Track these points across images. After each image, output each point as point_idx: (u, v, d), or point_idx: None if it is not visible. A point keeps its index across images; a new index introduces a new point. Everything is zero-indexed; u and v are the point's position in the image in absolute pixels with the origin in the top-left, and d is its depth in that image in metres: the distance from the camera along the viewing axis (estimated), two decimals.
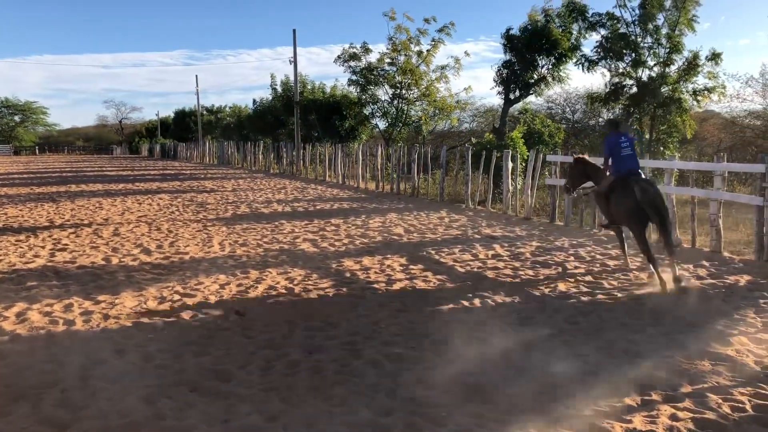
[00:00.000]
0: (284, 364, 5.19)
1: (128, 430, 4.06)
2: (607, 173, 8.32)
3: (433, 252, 9.96)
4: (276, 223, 13.19)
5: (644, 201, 7.55)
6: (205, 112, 66.68)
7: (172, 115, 77.69)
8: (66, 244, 10.68)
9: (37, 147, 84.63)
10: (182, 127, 71.62)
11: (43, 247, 10.40)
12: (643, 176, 8.28)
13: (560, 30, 24.56)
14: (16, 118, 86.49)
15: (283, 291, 7.61)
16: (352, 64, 32.84)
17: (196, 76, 78.78)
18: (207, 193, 20.51)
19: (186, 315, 6.59)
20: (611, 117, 9.43)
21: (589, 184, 9.11)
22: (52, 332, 6.00)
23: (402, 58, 31.72)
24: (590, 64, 24.93)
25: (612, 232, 9.45)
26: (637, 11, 23.80)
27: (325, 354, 5.42)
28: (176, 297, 7.30)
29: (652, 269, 7.71)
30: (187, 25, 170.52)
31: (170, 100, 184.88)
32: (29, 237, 11.52)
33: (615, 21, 24.47)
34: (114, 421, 4.17)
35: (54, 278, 8.22)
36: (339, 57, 33.08)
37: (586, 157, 9.33)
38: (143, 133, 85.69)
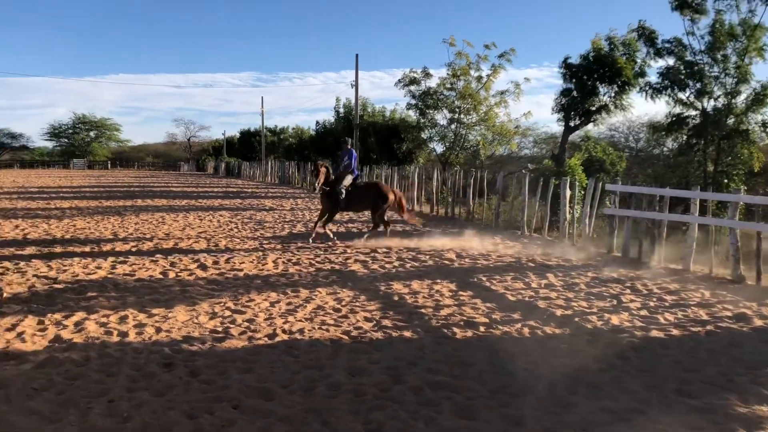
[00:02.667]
0: (327, 386, 5.21)
1: None
2: None
3: (484, 279, 9.85)
4: (329, 243, 13.30)
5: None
6: (268, 133, 68.25)
7: (238, 134, 79.74)
8: (127, 257, 11.05)
9: (109, 162, 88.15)
10: (247, 147, 73.40)
11: (105, 260, 10.78)
12: None
13: (624, 58, 24.10)
14: (92, 133, 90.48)
15: (331, 311, 7.65)
16: (412, 88, 33.11)
17: (262, 97, 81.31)
18: (266, 211, 20.90)
19: (234, 331, 6.71)
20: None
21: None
22: (106, 342, 6.20)
23: (461, 83, 31.77)
24: (654, 92, 24.36)
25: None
26: (706, 38, 23.17)
27: (367, 377, 5.41)
28: (227, 313, 7.44)
29: None
30: (256, 48, 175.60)
31: (237, 120, 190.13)
32: (93, 249, 11.98)
33: (682, 48, 23.88)
34: None
35: (113, 290, 8.51)
36: (399, 81, 33.44)
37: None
38: (210, 151, 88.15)
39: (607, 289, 9.24)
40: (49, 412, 4.56)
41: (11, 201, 23.16)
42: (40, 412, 4.54)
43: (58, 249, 11.87)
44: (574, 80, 24.79)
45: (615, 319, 7.52)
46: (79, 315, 7.15)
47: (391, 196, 13.72)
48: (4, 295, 8.08)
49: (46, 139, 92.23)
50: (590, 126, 28.02)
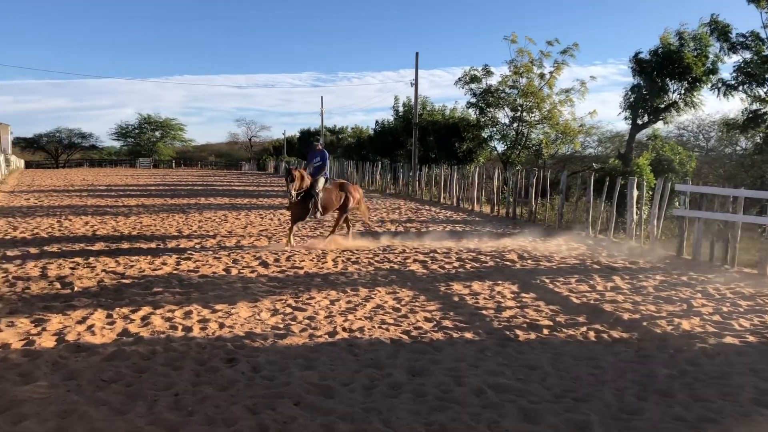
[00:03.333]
0: (387, 385, 5.16)
1: None
2: None
3: (547, 280, 9.62)
4: (388, 242, 13.27)
5: None
6: (328, 132, 68.87)
7: (298, 134, 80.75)
8: (191, 254, 11.30)
9: (173, 161, 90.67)
10: (306, 146, 74.11)
11: (170, 256, 11.05)
12: None
13: (695, 54, 23.19)
14: (157, 133, 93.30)
15: (390, 311, 7.61)
16: (473, 86, 32.80)
17: (322, 97, 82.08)
18: None
19: (295, 328, 6.74)
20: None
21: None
22: (171, 337, 6.33)
23: (523, 81, 31.27)
24: (728, 89, 23.33)
25: None
26: None
27: (428, 378, 5.34)
28: (288, 310, 7.50)
29: None
30: (316, 49, 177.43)
31: (297, 120, 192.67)
32: (159, 245, 12.30)
33: (759, 42, 22.78)
34: (220, 429, 4.30)
35: (177, 286, 8.70)
36: (460, 79, 33.19)
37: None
38: (270, 150, 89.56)
39: (677, 293, 8.89)
40: (118, 403, 4.66)
41: (82, 198, 24.06)
42: (110, 404, 4.65)
43: (125, 245, 12.24)
44: (643, 76, 24.02)
45: (686, 324, 7.22)
46: (146, 309, 7.33)
47: (357, 195, 13.56)
48: (75, 288, 8.37)
49: (114, 139, 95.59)
50: (659, 124, 27.12)
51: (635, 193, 14.12)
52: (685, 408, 4.80)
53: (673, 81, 23.88)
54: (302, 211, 12.39)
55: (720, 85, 23.69)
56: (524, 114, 31.75)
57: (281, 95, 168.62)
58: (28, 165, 72.45)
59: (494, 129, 33.82)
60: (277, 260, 10.86)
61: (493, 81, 32.40)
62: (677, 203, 14.91)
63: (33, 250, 11.41)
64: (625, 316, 7.59)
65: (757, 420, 4.61)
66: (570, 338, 6.66)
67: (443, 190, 26.02)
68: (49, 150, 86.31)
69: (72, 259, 10.53)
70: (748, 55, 22.96)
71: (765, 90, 22.96)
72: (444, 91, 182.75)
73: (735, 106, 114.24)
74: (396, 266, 10.57)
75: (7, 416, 4.38)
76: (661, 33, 24.53)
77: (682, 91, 24.11)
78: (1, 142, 57.71)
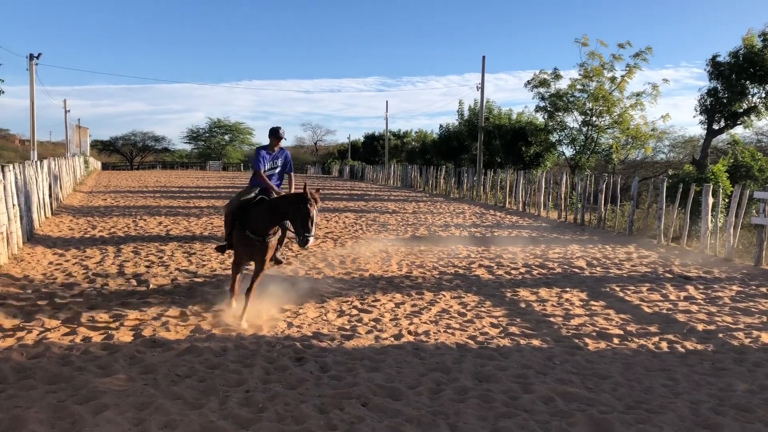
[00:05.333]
0: (454, 390, 5.15)
1: None
2: None
3: (617, 289, 9.39)
4: (453, 247, 13.22)
5: None
6: (392, 137, 69.15)
7: (362, 138, 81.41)
8: None
9: (242, 164, 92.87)
10: (370, 150, 74.80)
11: None
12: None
13: None
14: (226, 137, 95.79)
15: (456, 315, 7.58)
16: (541, 90, 32.29)
17: (386, 101, 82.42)
18: (389, 214, 21.15)
19: (361, 330, 6.80)
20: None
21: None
22: (241, 335, 6.49)
23: (593, 85, 30.60)
24: None
25: None
26: None
27: (494, 384, 5.30)
28: (354, 312, 7.57)
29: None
30: (381, 53, 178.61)
31: (361, 124, 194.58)
32: None
33: None
34: (289, 426, 4.39)
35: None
36: (529, 82, 32.72)
37: None
38: (335, 154, 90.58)
39: (755, 305, 8.52)
40: (192, 398, 4.82)
41: (155, 199, 24.93)
42: (184, 398, 4.81)
43: (197, 245, 12.61)
44: (720, 79, 23.12)
45: (765, 337, 6.91)
46: (217, 307, 7.54)
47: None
48: (151, 286, 8.69)
49: (185, 142, 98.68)
50: (736, 129, 26.03)
51: (710, 200, 13.60)
52: (766, 425, 4.60)
53: (753, 84, 22.86)
54: (271, 253, 7.48)
55: None
56: (594, 118, 31.04)
57: (346, 99, 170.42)
58: (105, 167, 75.59)
59: (563, 133, 33.21)
60: (342, 262, 10.97)
61: (563, 85, 31.82)
62: (755, 211, 14.27)
63: (110, 249, 11.90)
64: (700, 327, 7.33)
65: None
66: (641, 348, 6.48)
67: (509, 194, 25.72)
68: (124, 152, 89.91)
69: (147, 258, 10.93)
70: None
71: None
72: (510, 95, 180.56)
73: None
74: (461, 271, 10.51)
75: (89, 406, 4.59)
76: (743, 34, 23.56)
77: (763, 95, 23.06)
78: (81, 145, 60.42)
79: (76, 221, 16.34)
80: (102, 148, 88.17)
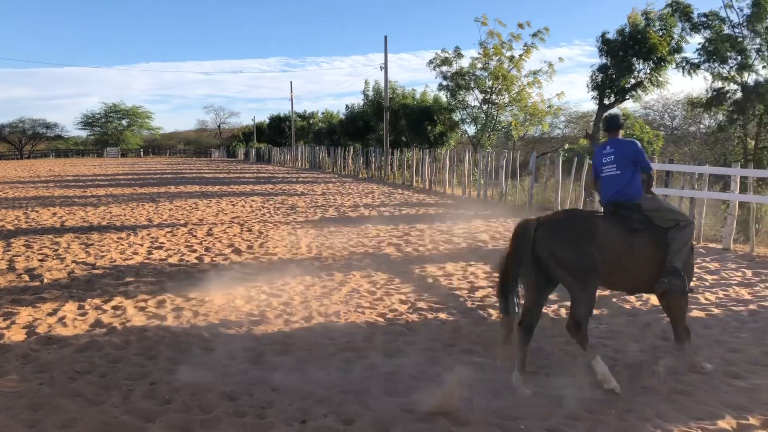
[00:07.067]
0: (364, 367, 5.20)
1: (208, 426, 4.16)
2: None
3: None
4: (362, 226, 13.30)
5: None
6: (298, 118, 68.40)
7: (267, 120, 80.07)
8: (162, 243, 11.19)
9: (141, 150, 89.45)
10: (276, 132, 73.75)
11: (141, 245, 10.93)
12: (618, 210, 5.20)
13: (659, 33, 23.46)
14: (124, 122, 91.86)
15: (366, 294, 7.64)
16: (444, 69, 32.73)
17: (291, 82, 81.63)
18: (297, 196, 20.98)
19: (270, 314, 6.74)
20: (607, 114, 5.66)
21: None
22: (145, 326, 6.28)
23: (494, 63, 31.33)
24: (692, 67, 23.65)
25: None
26: (746, 11, 22.39)
27: (404, 359, 5.39)
28: (263, 297, 7.48)
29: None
30: (284, 33, 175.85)
31: (266, 106, 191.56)
32: (129, 235, 12.15)
33: (720, 21, 23.12)
34: (197, 416, 4.30)
35: (150, 275, 8.62)
36: (431, 61, 33.05)
37: None
38: (240, 137, 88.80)
39: None
40: (92, 394, 4.63)
41: (48, 189, 23.62)
42: (84, 395, 4.61)
43: (95, 235, 12.06)
44: (610, 56, 24.22)
45: (654, 299, 7.36)
46: (118, 300, 7.26)
47: None
48: (45, 280, 8.25)
49: (80, 129, 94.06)
50: (626, 104, 27.43)
51: None
52: (657, 382, 4.90)
53: (639, 60, 24.09)
54: None
55: (684, 64, 23.99)
56: (494, 96, 31.85)
57: (249, 81, 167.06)
58: None
59: (465, 112, 33.89)
60: (250, 247, 10.81)
61: (465, 63, 32.39)
62: None
63: None
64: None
65: (725, 390, 4.74)
66: (542, 316, 6.75)
67: (415, 173, 26.09)
68: (12, 141, 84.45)
69: (40, 251, 10.35)
70: (709, 34, 23.29)
71: (727, 68, 23.33)
72: (414, 75, 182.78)
73: (699, 84, 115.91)
74: (370, 250, 10.59)
75: None
76: (629, 12, 24.73)
77: (648, 71, 24.37)
78: None
79: None
80: None
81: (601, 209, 5.52)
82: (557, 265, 4.79)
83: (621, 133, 5.53)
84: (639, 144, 5.46)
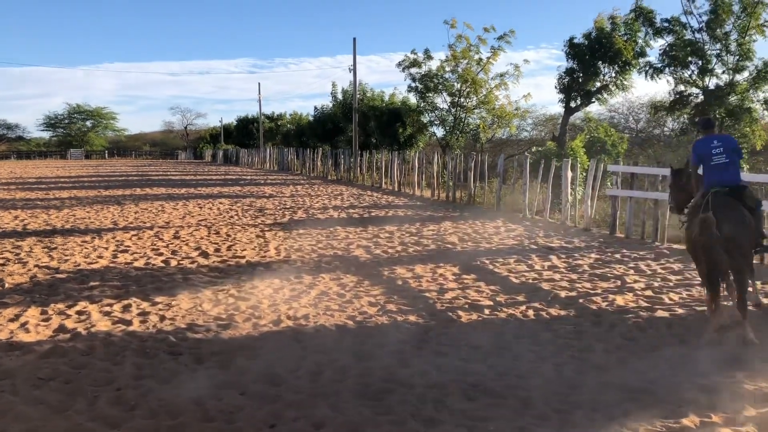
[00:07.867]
0: (334, 370, 5.19)
1: (177, 431, 4.12)
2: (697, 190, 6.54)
3: (487, 262, 9.82)
4: (331, 229, 13.27)
5: (707, 238, 5.77)
6: (266, 119, 67.95)
7: (235, 122, 79.34)
8: (128, 246, 11.02)
9: (106, 151, 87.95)
10: (244, 134, 73.12)
11: (106, 249, 10.75)
12: (729, 198, 6.06)
13: (624, 38, 23.93)
14: (88, 123, 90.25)
15: (335, 297, 7.63)
16: (413, 71, 32.79)
17: (259, 84, 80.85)
18: (266, 198, 20.85)
19: (239, 318, 6.68)
20: (703, 117, 7.05)
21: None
22: (110, 332, 6.18)
23: (462, 66, 31.51)
24: (655, 71, 24.18)
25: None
26: (704, 18, 22.97)
27: (373, 361, 5.39)
28: (231, 300, 7.42)
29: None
30: (251, 34, 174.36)
31: (233, 107, 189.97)
32: (94, 238, 11.93)
33: (681, 27, 23.69)
34: (164, 422, 4.24)
35: (115, 279, 8.48)
36: (400, 63, 33.04)
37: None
38: (207, 138, 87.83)
39: (611, 270, 9.22)
40: (56, 401, 4.53)
41: (9, 192, 23.09)
42: (47, 402, 4.51)
43: (58, 239, 11.83)
44: (577, 60, 24.64)
45: (620, 300, 7.50)
46: (82, 304, 7.12)
47: None
48: (6, 285, 8.05)
49: (42, 130, 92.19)
50: (592, 107, 27.90)
51: (569, 174, 14.51)
52: (622, 380, 4.99)
53: (604, 64, 24.56)
54: None
55: (648, 68, 24.54)
56: (462, 99, 32.04)
57: (217, 82, 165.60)
58: None
59: (433, 114, 34.02)
60: (217, 250, 10.71)
61: (434, 66, 32.51)
62: (610, 183, 15.41)
63: None
64: (563, 294, 7.83)
65: (688, 388, 4.84)
66: (510, 318, 6.83)
67: (384, 175, 26.12)
68: None
69: (1, 255, 10.11)
70: (671, 39, 23.84)
71: (688, 73, 23.90)
72: (382, 77, 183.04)
73: (662, 88, 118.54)
74: (340, 252, 10.58)
75: None
76: (595, 17, 25.19)
77: (613, 74, 24.84)
78: None
79: None
80: None
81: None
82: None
83: (715, 130, 6.79)
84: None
